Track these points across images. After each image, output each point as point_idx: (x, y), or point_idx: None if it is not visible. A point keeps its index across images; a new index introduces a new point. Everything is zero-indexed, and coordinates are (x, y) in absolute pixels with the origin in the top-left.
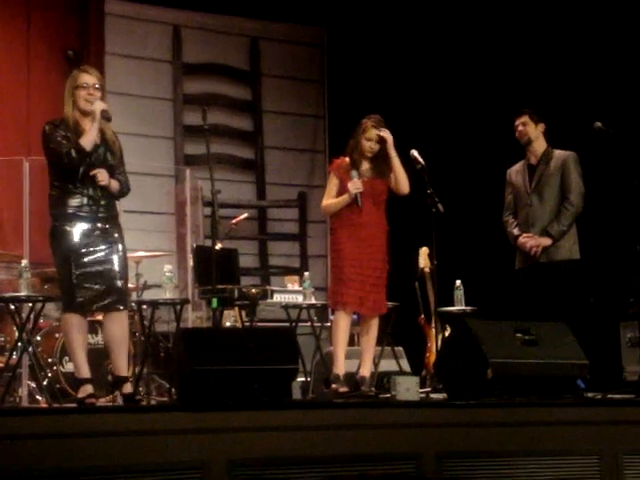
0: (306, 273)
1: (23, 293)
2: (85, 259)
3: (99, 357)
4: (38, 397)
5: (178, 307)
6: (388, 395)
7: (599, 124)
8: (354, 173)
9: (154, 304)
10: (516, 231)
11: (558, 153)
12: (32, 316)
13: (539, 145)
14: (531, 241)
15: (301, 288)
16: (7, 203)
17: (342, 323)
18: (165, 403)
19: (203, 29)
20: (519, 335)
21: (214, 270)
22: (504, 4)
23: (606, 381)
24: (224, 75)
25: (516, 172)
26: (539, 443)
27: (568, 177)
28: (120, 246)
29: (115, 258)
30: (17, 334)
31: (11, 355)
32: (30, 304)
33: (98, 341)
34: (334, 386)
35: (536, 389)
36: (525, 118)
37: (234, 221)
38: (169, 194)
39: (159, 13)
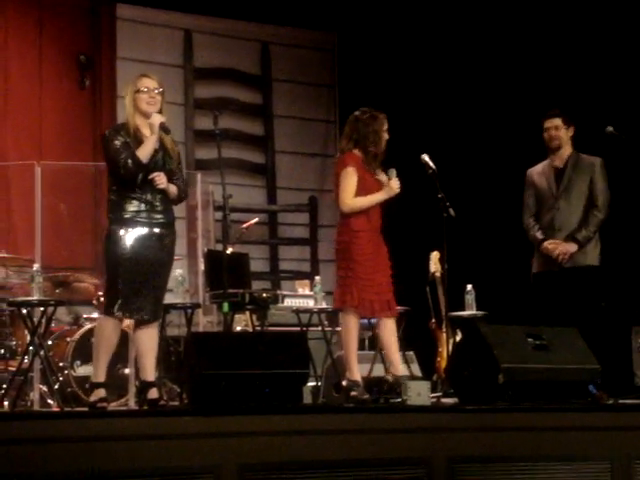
0: (317, 277)
1: (35, 297)
2: (136, 267)
3: (111, 361)
4: (50, 401)
5: (189, 311)
6: (399, 400)
7: (611, 129)
8: (394, 172)
9: (165, 308)
10: (540, 235)
11: (585, 158)
12: (44, 320)
13: (566, 149)
14: (560, 247)
15: (312, 292)
16: (19, 208)
17: (355, 328)
18: (176, 407)
19: (214, 34)
20: (530, 340)
21: (225, 274)
22: (516, 7)
23: (618, 386)
24: (235, 80)
25: (539, 174)
26: (550, 448)
27: (596, 183)
28: (171, 256)
29: (164, 270)
30: (29, 338)
31: (23, 359)
32: (42, 308)
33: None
34: (354, 393)
35: (547, 394)
36: (558, 121)
37: (245, 225)
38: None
39: (170, 18)
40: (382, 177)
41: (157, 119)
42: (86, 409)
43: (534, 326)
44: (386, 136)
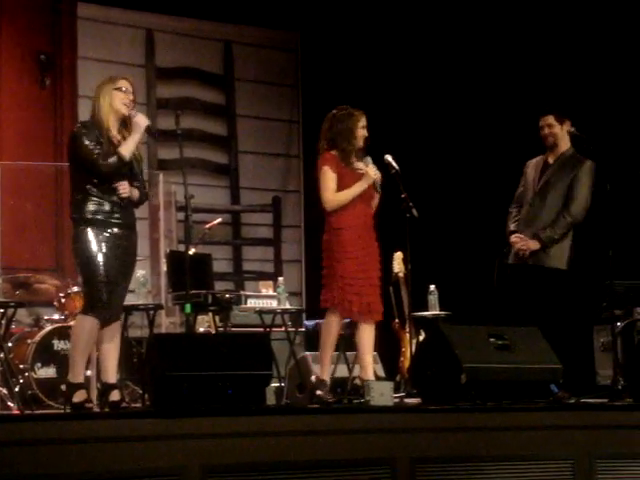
0: (280, 278)
1: None
2: (108, 267)
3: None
4: (10, 404)
5: (151, 312)
6: (362, 400)
7: (572, 129)
8: (369, 159)
9: (127, 309)
10: (513, 227)
11: (575, 158)
12: (4, 322)
13: (562, 145)
14: (521, 242)
15: (275, 293)
16: None
17: (335, 328)
18: (139, 409)
19: (176, 33)
20: (493, 340)
21: (188, 275)
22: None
23: (580, 385)
24: (198, 79)
25: (532, 166)
26: (513, 448)
27: (575, 187)
28: (134, 257)
29: (128, 271)
30: None
31: None
32: (2, 310)
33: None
34: (319, 393)
35: (510, 394)
36: (550, 119)
37: (208, 226)
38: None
39: (132, 17)
40: (361, 166)
41: (143, 121)
42: (47, 412)
43: (499, 323)
44: (363, 133)
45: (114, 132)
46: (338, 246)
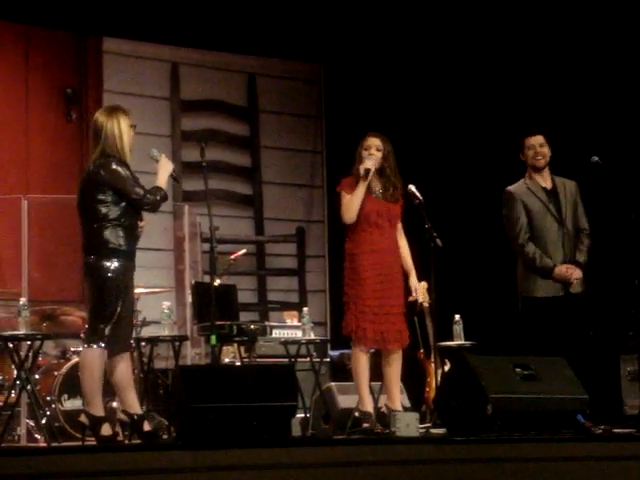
0: (305, 308)
1: (22, 331)
2: (121, 298)
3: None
4: (37, 436)
5: (177, 344)
6: (388, 431)
7: (596, 158)
8: (365, 159)
9: (153, 341)
10: (551, 262)
11: (566, 180)
12: (30, 354)
13: (546, 168)
14: (576, 272)
15: (300, 323)
16: (6, 241)
17: (363, 359)
18: (165, 441)
19: (200, 66)
20: (518, 370)
21: (213, 306)
22: (497, 35)
23: (607, 416)
24: (222, 111)
25: (527, 194)
26: (540, 479)
27: (580, 208)
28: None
29: (133, 301)
30: (15, 372)
31: (10, 394)
32: (29, 342)
33: None
34: (366, 425)
35: (536, 424)
36: (541, 139)
37: (232, 257)
38: (167, 230)
39: (157, 50)
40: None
41: (169, 166)
42: (77, 443)
43: (524, 353)
44: (364, 151)
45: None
46: (352, 272)
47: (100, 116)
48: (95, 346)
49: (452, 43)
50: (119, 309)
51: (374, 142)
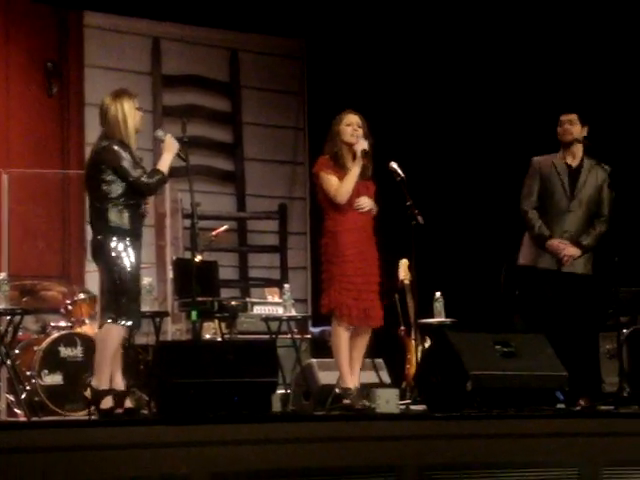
0: (286, 285)
1: (1, 306)
2: (135, 276)
3: (79, 370)
4: (17, 410)
5: (157, 320)
6: (368, 406)
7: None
8: (360, 139)
9: None
10: (547, 232)
11: (595, 163)
12: (10, 329)
13: (578, 148)
14: (568, 249)
15: (281, 300)
16: None
17: (344, 336)
18: (146, 417)
19: (182, 41)
20: (498, 347)
21: (194, 282)
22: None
23: (585, 392)
24: (204, 87)
25: (549, 167)
26: (519, 455)
27: (606, 193)
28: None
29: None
30: None
31: None
32: (8, 317)
33: (77, 354)
34: (346, 401)
35: (515, 401)
36: (573, 116)
37: (214, 233)
38: (149, 206)
39: (138, 25)
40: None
41: (175, 146)
42: (54, 418)
43: (505, 330)
44: (349, 130)
45: (134, 149)
46: (335, 249)
47: (106, 99)
48: (114, 324)
49: (434, 19)
50: (133, 286)
51: (355, 119)
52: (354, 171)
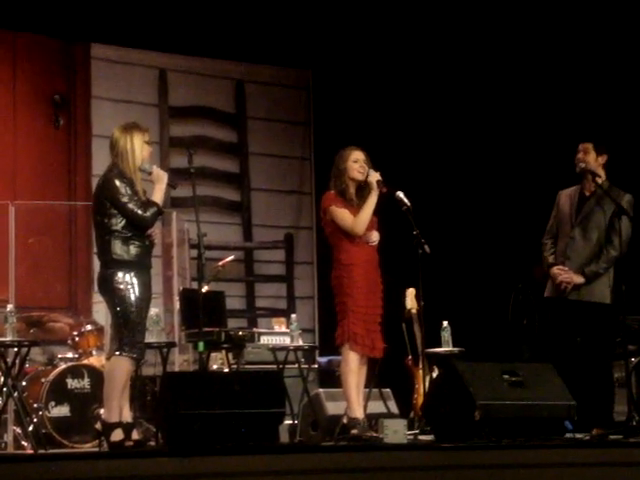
0: (293, 315)
1: (8, 338)
2: (142, 308)
3: (86, 402)
4: (24, 443)
5: (165, 350)
6: (376, 436)
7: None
8: (370, 171)
9: None
10: (551, 259)
11: (614, 191)
12: (17, 361)
13: (595, 177)
14: (564, 275)
15: (288, 330)
16: None
17: (354, 365)
18: (153, 448)
19: (189, 72)
20: (506, 377)
21: (201, 313)
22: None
23: (599, 422)
24: (210, 118)
25: (566, 196)
26: None
27: (619, 221)
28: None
29: (148, 311)
30: (2, 379)
31: None
32: (15, 349)
33: (84, 386)
34: (354, 432)
35: (524, 430)
36: (588, 145)
37: (221, 263)
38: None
39: (145, 57)
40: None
41: (164, 176)
42: (61, 450)
43: (513, 359)
44: (355, 167)
45: (138, 183)
46: (350, 281)
47: (116, 131)
48: (122, 356)
49: (439, 52)
50: (139, 319)
51: (360, 155)
52: (371, 202)
